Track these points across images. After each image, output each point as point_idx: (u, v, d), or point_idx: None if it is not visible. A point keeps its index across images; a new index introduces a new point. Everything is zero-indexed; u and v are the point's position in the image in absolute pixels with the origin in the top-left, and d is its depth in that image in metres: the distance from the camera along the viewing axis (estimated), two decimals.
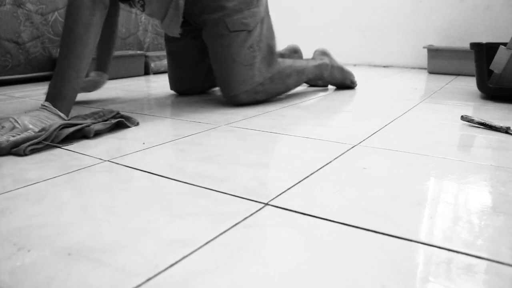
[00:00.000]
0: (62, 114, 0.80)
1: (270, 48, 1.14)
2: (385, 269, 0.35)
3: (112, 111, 0.88)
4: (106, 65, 1.21)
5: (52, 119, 0.77)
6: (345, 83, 1.43)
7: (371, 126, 0.88)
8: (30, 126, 0.73)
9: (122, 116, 0.88)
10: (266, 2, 1.16)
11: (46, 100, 0.81)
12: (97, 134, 0.79)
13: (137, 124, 0.89)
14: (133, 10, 2.09)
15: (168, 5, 1.06)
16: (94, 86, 1.18)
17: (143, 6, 1.05)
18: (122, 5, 1.13)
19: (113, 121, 0.83)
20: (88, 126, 0.77)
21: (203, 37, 1.11)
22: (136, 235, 0.41)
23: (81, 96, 1.27)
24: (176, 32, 1.12)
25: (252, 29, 1.07)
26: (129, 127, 0.87)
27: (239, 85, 1.07)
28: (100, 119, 0.84)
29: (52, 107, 0.79)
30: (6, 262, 0.36)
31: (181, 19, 1.08)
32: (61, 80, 0.81)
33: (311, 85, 1.52)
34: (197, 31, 1.20)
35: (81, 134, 0.77)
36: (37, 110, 0.79)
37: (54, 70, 0.82)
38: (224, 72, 1.08)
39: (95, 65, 1.20)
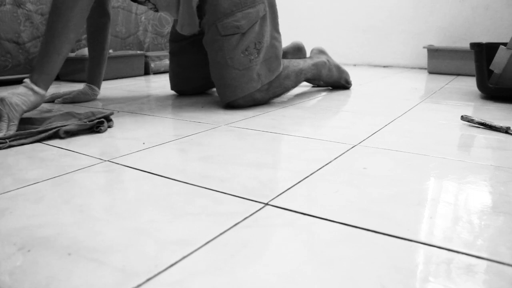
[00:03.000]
0: (36, 88, 0.85)
1: (275, 51, 1.10)
2: (385, 269, 0.35)
3: (100, 113, 0.87)
4: (97, 78, 1.23)
5: (28, 96, 0.83)
6: (340, 82, 1.42)
7: (371, 126, 0.88)
8: (20, 105, 0.81)
9: (102, 118, 0.85)
10: (270, 1, 1.09)
11: (31, 72, 0.87)
12: (72, 134, 0.80)
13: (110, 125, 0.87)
14: (133, 9, 2.09)
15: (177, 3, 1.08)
16: (84, 98, 1.20)
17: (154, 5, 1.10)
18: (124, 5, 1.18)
19: (88, 122, 0.82)
20: (57, 129, 0.78)
21: (203, 43, 1.09)
22: (136, 235, 0.41)
23: None
24: (191, 31, 1.14)
25: (246, 31, 1.03)
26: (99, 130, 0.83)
27: (235, 91, 1.04)
28: (85, 120, 0.84)
29: (29, 82, 0.85)
30: (6, 262, 0.36)
31: (196, 18, 1.10)
32: (42, 57, 0.87)
33: (314, 85, 1.52)
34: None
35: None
36: (19, 87, 0.85)
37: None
38: (219, 77, 1.05)
39: (87, 78, 1.23)
